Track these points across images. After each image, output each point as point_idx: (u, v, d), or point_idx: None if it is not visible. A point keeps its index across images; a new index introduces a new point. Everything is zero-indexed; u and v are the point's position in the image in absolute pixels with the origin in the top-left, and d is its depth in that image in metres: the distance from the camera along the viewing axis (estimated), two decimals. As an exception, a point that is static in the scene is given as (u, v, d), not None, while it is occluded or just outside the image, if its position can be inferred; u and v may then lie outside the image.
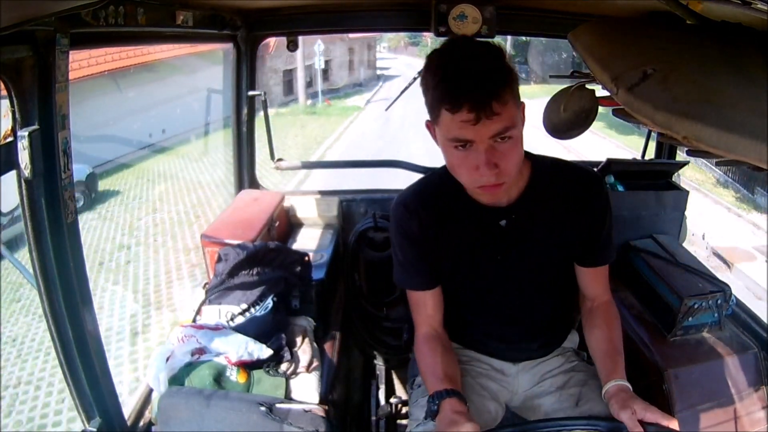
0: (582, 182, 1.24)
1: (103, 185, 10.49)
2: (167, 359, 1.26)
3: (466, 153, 1.06)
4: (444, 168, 1.22)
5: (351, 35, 17.20)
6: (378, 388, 2.01)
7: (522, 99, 1.11)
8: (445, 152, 1.11)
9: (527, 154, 1.18)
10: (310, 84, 15.83)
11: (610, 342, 1.24)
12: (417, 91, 1.17)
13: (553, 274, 1.30)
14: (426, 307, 1.29)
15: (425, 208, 1.24)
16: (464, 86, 1.00)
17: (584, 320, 1.34)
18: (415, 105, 1.31)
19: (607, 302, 1.33)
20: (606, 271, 1.34)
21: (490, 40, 1.18)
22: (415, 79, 2.59)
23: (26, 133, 0.93)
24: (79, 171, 8.33)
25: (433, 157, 1.32)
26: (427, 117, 1.11)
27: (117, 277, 7.15)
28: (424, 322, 1.29)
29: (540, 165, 1.23)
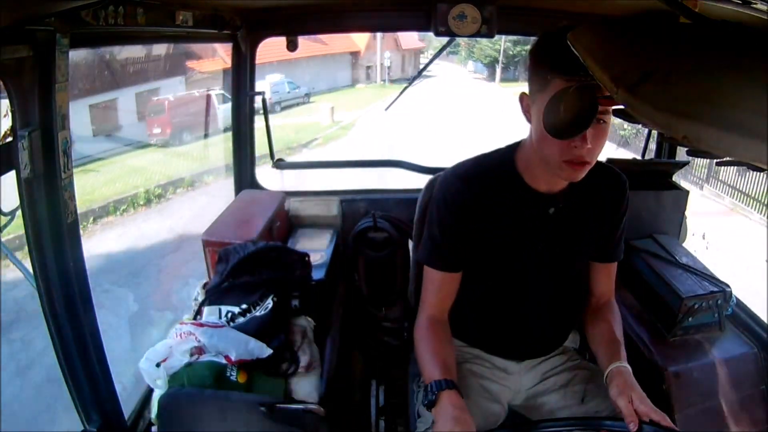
0: (614, 182, 1.31)
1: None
2: (165, 359, 1.26)
3: None
4: (499, 150, 1.27)
5: (404, 46, 24.54)
6: (378, 389, 2.01)
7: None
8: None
9: None
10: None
11: (612, 333, 1.27)
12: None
13: (578, 268, 1.35)
14: (441, 290, 1.29)
15: (480, 182, 1.24)
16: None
17: (588, 317, 1.36)
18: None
19: (611, 301, 1.38)
20: (614, 270, 1.39)
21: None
22: (414, 79, 2.63)
23: (26, 133, 0.93)
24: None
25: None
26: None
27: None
28: (433, 305, 1.29)
29: None
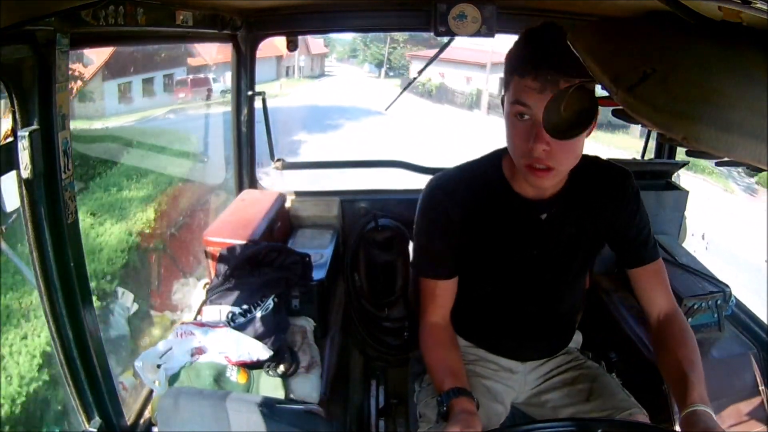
0: (613, 179, 1.24)
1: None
2: (164, 356, 1.26)
3: (523, 124, 1.07)
4: (486, 157, 1.24)
5: (313, 51, 30.42)
6: (377, 389, 2.01)
7: None
8: (507, 124, 1.11)
9: None
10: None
11: (678, 364, 1.12)
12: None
13: (577, 272, 1.31)
14: (438, 297, 1.27)
15: (467, 191, 1.21)
16: (538, 56, 1.03)
17: (654, 339, 1.25)
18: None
19: (670, 316, 1.23)
20: (660, 274, 1.26)
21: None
22: (414, 80, 2.67)
23: (26, 133, 0.93)
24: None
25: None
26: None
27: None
28: (435, 312, 1.27)
29: (580, 162, 1.19)
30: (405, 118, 15.70)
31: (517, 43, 1.11)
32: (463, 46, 18.09)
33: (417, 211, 1.29)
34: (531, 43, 1.08)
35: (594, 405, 1.26)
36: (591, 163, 1.24)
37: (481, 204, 1.21)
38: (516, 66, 1.07)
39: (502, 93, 1.16)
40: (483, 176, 1.23)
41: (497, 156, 1.24)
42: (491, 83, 20.49)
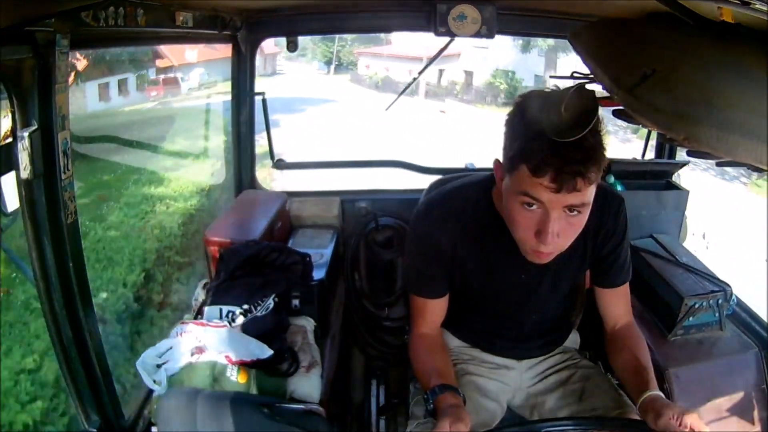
0: (608, 205, 1.22)
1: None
2: (164, 355, 1.26)
3: (532, 213, 1.03)
4: (480, 182, 1.21)
5: (266, 51, 30.47)
6: (378, 388, 2.01)
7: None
8: (509, 203, 1.06)
9: None
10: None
11: (637, 360, 1.19)
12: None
13: (568, 286, 1.31)
14: (431, 313, 1.29)
15: (457, 223, 1.20)
16: (556, 156, 0.95)
17: (608, 346, 1.30)
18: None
19: (628, 324, 1.30)
20: (626, 292, 1.32)
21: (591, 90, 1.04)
22: (414, 80, 2.66)
23: (26, 134, 0.93)
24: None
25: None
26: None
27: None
28: (422, 325, 1.29)
29: None
30: (357, 104, 19.79)
31: (525, 120, 1.00)
32: (404, 42, 21.72)
33: (408, 231, 1.31)
34: (546, 129, 0.96)
35: (586, 405, 1.27)
36: None
37: (472, 230, 1.21)
38: (529, 158, 0.97)
39: (500, 164, 1.09)
40: (474, 207, 1.21)
41: (488, 185, 1.21)
42: (428, 75, 23.33)
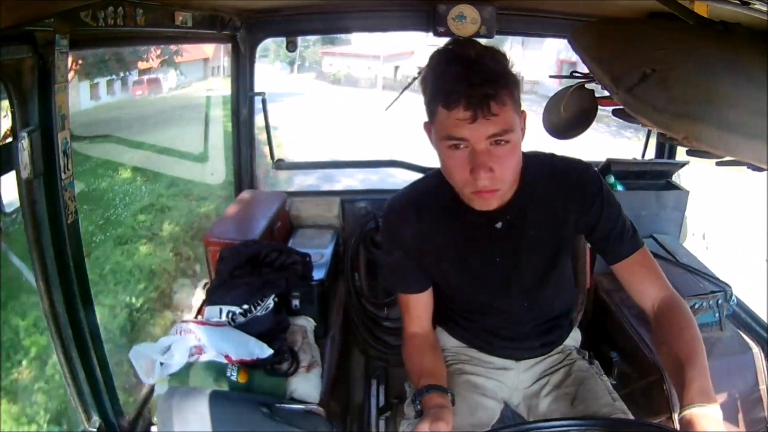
0: (571, 174, 1.20)
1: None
2: (164, 354, 1.27)
3: (460, 153, 1.04)
4: (437, 172, 1.19)
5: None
6: (378, 388, 2.01)
7: None
8: (440, 153, 1.09)
9: None
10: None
11: (681, 354, 1.05)
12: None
13: (552, 271, 1.28)
14: (415, 309, 1.29)
15: (418, 214, 1.22)
16: (462, 83, 0.99)
17: (654, 334, 1.22)
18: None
19: (664, 303, 1.15)
20: (646, 264, 1.20)
21: (492, 43, 1.16)
22: (415, 78, 2.65)
23: (26, 134, 0.93)
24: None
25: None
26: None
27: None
28: (412, 323, 1.29)
29: (532, 162, 1.18)
30: (322, 97, 22.16)
31: (432, 68, 1.06)
32: (364, 42, 23.66)
33: (380, 233, 1.32)
34: (451, 66, 1.02)
35: (580, 408, 1.25)
36: (545, 162, 1.22)
37: (437, 220, 1.21)
38: (437, 95, 1.02)
39: (426, 121, 1.11)
40: (433, 195, 1.22)
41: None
42: (385, 70, 25.24)
